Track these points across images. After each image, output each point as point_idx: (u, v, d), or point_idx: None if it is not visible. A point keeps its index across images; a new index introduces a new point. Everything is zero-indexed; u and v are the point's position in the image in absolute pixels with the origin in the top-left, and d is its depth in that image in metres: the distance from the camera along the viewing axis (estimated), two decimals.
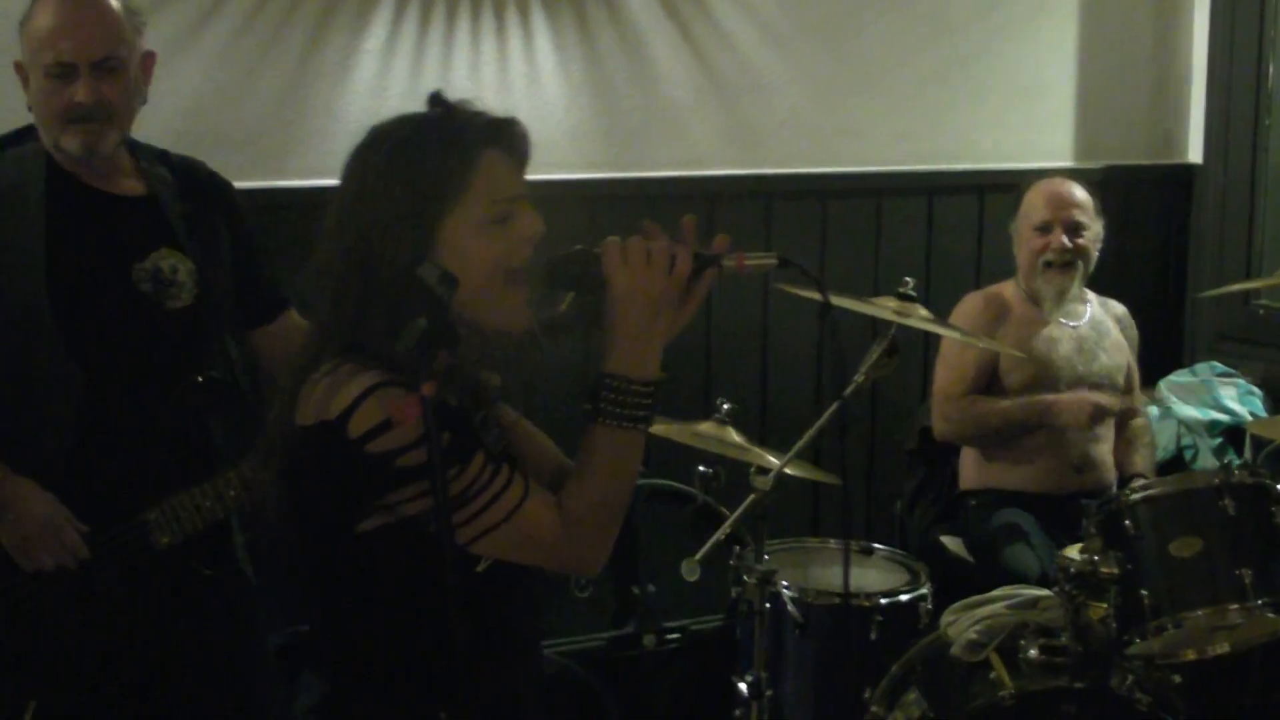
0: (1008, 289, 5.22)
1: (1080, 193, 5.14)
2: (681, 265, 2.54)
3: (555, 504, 2.58)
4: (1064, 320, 5.11)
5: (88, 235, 3.54)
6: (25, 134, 3.60)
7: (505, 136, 2.61)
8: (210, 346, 3.64)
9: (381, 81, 4.95)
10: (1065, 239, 5.06)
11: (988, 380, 5.06)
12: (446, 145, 2.55)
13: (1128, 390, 5.24)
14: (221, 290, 3.67)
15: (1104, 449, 5.08)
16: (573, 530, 2.57)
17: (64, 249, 3.50)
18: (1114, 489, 4.99)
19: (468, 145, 2.55)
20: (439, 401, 2.42)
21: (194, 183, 3.74)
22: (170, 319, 3.57)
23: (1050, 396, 4.98)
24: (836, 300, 4.24)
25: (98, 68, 3.44)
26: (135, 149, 3.70)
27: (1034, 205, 5.14)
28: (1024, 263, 5.14)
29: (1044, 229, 5.08)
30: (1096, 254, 5.16)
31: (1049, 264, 5.06)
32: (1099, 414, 4.95)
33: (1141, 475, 5.05)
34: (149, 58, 3.64)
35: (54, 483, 3.46)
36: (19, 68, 3.53)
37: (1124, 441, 5.21)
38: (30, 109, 3.53)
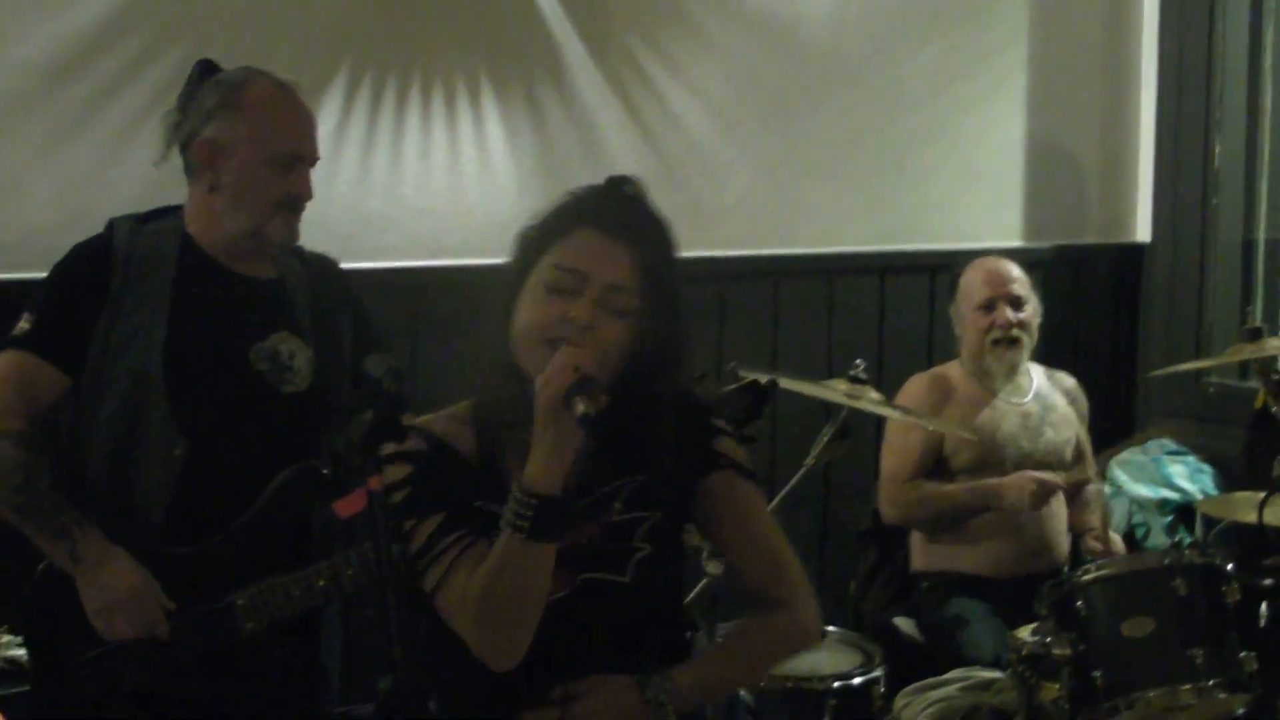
0: (952, 370, 5.23)
1: (1016, 269, 5.18)
2: (555, 384, 2.60)
3: None
4: (1009, 398, 5.12)
5: (211, 310, 3.62)
6: (165, 212, 3.70)
7: (613, 230, 2.78)
8: (318, 436, 3.64)
9: (331, 167, 4.93)
10: (1011, 313, 5.08)
11: (934, 461, 5.06)
12: (560, 210, 2.82)
13: (1077, 462, 5.24)
14: (335, 382, 3.70)
15: (1058, 528, 5.07)
16: (468, 618, 2.70)
17: (186, 321, 3.58)
18: (1068, 565, 5.01)
19: (570, 216, 2.79)
20: (436, 452, 2.76)
21: (323, 276, 3.83)
22: (283, 403, 3.63)
23: (993, 480, 4.97)
24: (789, 384, 4.26)
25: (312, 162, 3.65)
26: None
27: (974, 285, 5.17)
28: (971, 342, 5.16)
29: (987, 307, 5.10)
30: (1037, 329, 5.19)
31: (996, 341, 5.08)
32: (1043, 492, 4.95)
33: (1095, 532, 5.08)
34: None
35: (146, 553, 3.46)
36: (208, 146, 3.58)
37: (1078, 507, 5.21)
38: (215, 188, 3.60)
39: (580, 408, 2.54)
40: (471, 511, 2.75)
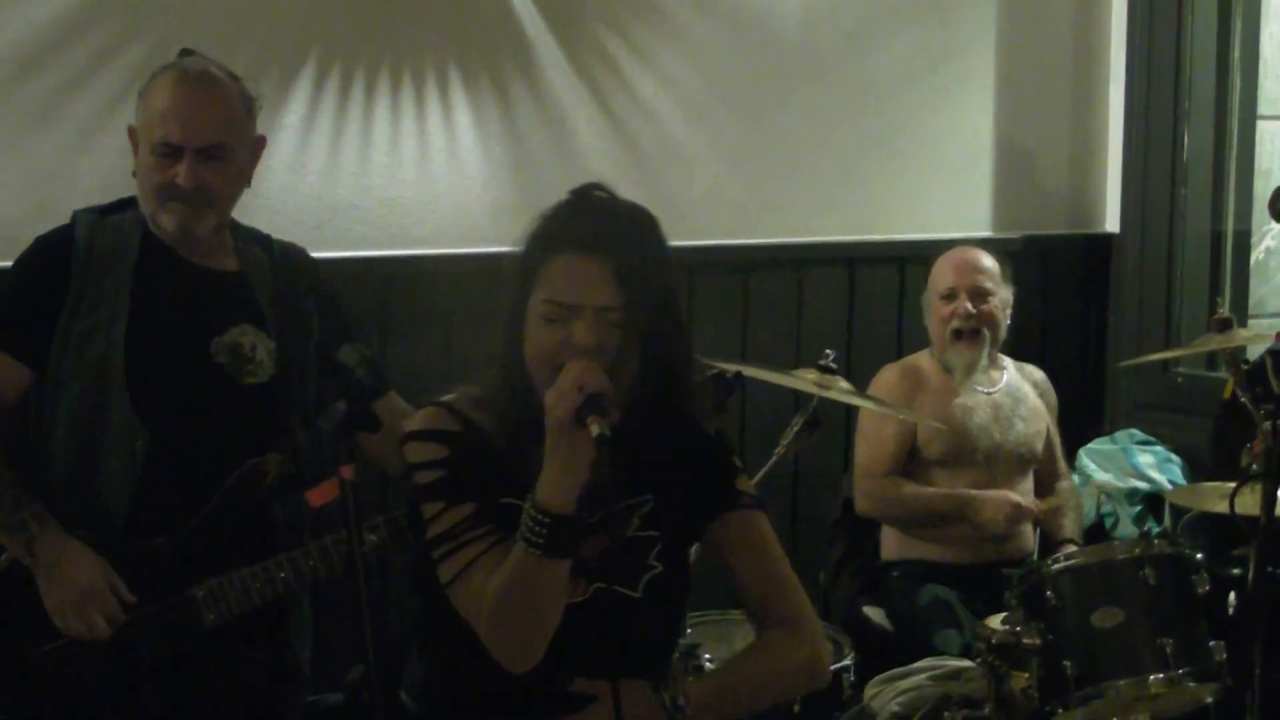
0: (923, 359, 5.23)
1: (986, 260, 5.16)
2: (565, 404, 2.60)
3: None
4: (979, 388, 5.11)
5: (172, 303, 3.60)
6: (128, 203, 3.68)
7: (588, 248, 2.74)
8: (282, 426, 3.61)
9: (300, 157, 4.92)
10: (969, 305, 5.06)
11: (908, 452, 5.06)
12: (540, 235, 2.80)
13: (1048, 456, 5.25)
14: (301, 372, 3.70)
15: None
16: (484, 621, 2.71)
17: (147, 313, 3.56)
18: (1034, 555, 5.01)
19: (549, 243, 2.76)
20: (471, 435, 2.77)
21: (289, 266, 3.80)
22: (244, 394, 3.61)
23: (972, 491, 4.98)
24: (759, 374, 4.25)
25: (203, 153, 3.53)
26: (236, 229, 3.78)
27: (940, 274, 5.16)
28: (934, 332, 5.15)
29: (950, 296, 5.09)
30: (1006, 321, 5.17)
31: (957, 332, 5.07)
32: (1018, 515, 4.96)
33: (1070, 540, 5.06)
34: (259, 142, 3.74)
35: (107, 546, 3.44)
36: (131, 133, 3.62)
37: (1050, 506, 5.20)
38: (135, 175, 3.61)
39: (596, 429, 2.54)
40: (500, 506, 2.77)
